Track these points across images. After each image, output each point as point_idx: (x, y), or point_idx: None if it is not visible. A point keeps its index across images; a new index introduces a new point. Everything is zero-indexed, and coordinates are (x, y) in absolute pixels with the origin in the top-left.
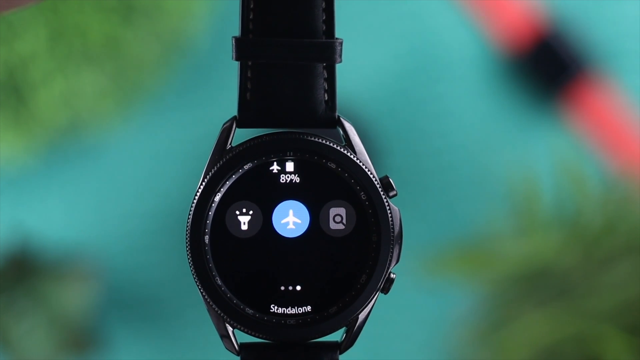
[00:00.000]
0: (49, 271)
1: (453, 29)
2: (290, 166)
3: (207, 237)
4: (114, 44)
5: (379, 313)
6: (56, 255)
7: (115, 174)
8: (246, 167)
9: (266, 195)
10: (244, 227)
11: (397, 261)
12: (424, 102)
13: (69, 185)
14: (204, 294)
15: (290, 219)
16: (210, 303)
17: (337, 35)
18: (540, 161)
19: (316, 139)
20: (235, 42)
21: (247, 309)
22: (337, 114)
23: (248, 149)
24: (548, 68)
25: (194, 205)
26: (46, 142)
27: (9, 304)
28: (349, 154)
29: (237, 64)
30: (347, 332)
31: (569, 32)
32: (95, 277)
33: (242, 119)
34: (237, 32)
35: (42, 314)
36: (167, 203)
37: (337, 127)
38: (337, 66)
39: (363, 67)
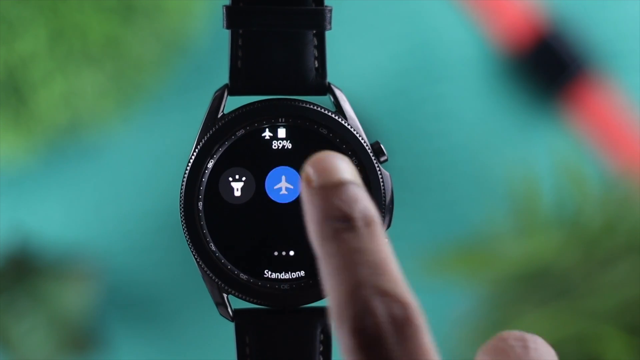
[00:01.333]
0: (49, 271)
1: (453, 29)
2: (282, 132)
3: (200, 204)
4: (114, 44)
5: None
6: (56, 255)
7: (115, 174)
8: (238, 133)
9: (259, 161)
10: (237, 193)
11: (389, 226)
12: (424, 102)
13: (68, 185)
14: (198, 260)
15: (283, 184)
16: (205, 269)
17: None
18: (540, 161)
19: (307, 105)
20: (226, 10)
21: (241, 274)
22: (327, 80)
23: (240, 116)
24: (548, 68)
25: (187, 172)
26: (46, 142)
27: (9, 304)
28: (340, 119)
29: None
30: None
31: (569, 32)
32: (94, 277)
33: (234, 87)
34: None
35: (42, 314)
36: (167, 203)
37: (328, 93)
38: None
39: (363, 67)
